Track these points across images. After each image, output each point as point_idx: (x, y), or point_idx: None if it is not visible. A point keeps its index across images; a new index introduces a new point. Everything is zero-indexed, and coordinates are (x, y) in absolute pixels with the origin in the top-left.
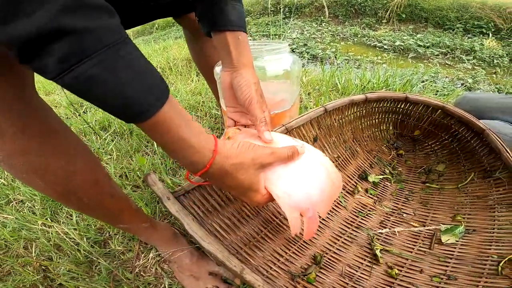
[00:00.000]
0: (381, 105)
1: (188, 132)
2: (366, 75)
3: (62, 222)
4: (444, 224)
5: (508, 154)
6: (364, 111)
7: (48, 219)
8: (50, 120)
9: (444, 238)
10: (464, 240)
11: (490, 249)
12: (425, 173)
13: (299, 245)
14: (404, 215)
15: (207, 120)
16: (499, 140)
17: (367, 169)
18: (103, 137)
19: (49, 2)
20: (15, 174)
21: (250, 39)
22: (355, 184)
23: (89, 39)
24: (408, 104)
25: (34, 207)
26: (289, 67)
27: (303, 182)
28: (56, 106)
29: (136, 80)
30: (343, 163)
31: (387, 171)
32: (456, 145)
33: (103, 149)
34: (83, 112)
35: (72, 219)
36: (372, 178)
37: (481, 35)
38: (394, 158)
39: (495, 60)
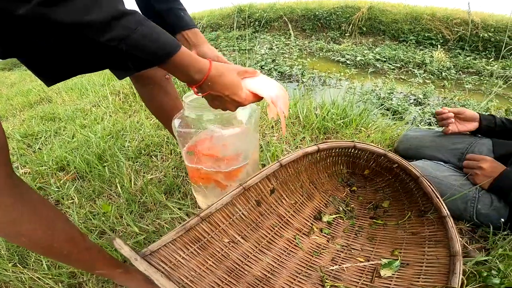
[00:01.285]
0: (333, 151)
1: (195, 57)
2: (326, 106)
3: (32, 268)
4: (384, 258)
5: (438, 199)
6: (318, 157)
7: (17, 263)
8: (31, 193)
9: (383, 272)
10: (399, 273)
11: (419, 281)
12: (373, 209)
13: (261, 287)
14: (353, 250)
15: (173, 159)
16: (431, 186)
17: (322, 209)
18: (62, 181)
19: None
20: (4, 236)
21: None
22: (311, 225)
23: (136, 16)
24: (356, 150)
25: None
26: (245, 120)
27: (269, 86)
28: (8, 137)
29: (163, 35)
30: (300, 207)
31: (341, 209)
32: (398, 184)
33: (63, 193)
34: (38, 148)
35: (42, 264)
36: (326, 218)
37: (431, 47)
38: (348, 195)
39: (443, 72)
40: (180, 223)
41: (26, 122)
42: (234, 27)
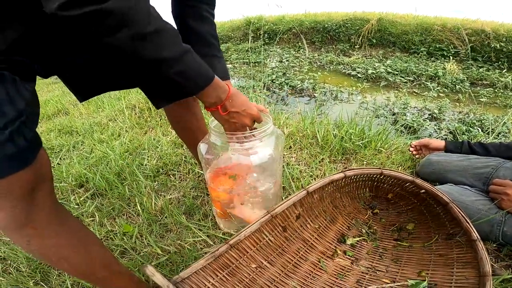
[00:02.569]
0: (358, 177)
1: (220, 83)
2: (344, 126)
3: (54, 287)
4: (410, 279)
5: (467, 224)
6: (343, 183)
7: (39, 281)
8: (72, 219)
9: None
10: None
11: None
12: (397, 231)
13: None
14: (378, 272)
15: (191, 179)
16: (461, 211)
17: (345, 232)
18: (82, 198)
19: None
20: (48, 260)
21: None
22: (335, 248)
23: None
24: (382, 176)
25: (20, 267)
26: (272, 152)
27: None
28: None
29: (202, 66)
30: (324, 231)
31: (364, 231)
32: (424, 208)
33: (83, 211)
34: (57, 163)
35: (64, 282)
36: (350, 240)
37: (443, 58)
38: (370, 217)
39: (457, 85)
40: (201, 245)
41: (44, 135)
42: (249, 40)
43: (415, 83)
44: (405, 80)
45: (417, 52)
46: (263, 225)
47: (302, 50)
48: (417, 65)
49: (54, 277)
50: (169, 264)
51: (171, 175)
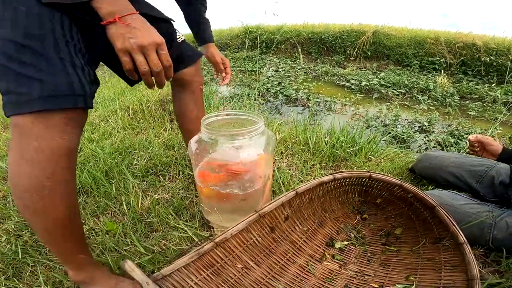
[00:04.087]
0: (347, 180)
1: None
2: (336, 133)
3: (27, 282)
4: (398, 283)
5: (454, 227)
6: (332, 186)
7: (11, 277)
8: None
9: None
10: None
11: None
12: (385, 236)
13: None
14: (366, 276)
15: (180, 180)
16: (447, 214)
17: (334, 236)
18: None
19: None
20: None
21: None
22: (323, 252)
23: None
24: (371, 180)
25: None
26: (262, 151)
27: None
28: None
29: None
30: (312, 234)
31: (352, 236)
32: (412, 213)
33: None
34: None
35: (37, 278)
36: (338, 244)
37: (434, 71)
38: (359, 222)
39: (447, 99)
40: (187, 244)
41: None
42: (246, 49)
43: (406, 95)
44: (397, 93)
45: (409, 65)
46: (250, 224)
47: (298, 60)
48: (409, 78)
49: (27, 273)
50: (152, 263)
51: (160, 176)
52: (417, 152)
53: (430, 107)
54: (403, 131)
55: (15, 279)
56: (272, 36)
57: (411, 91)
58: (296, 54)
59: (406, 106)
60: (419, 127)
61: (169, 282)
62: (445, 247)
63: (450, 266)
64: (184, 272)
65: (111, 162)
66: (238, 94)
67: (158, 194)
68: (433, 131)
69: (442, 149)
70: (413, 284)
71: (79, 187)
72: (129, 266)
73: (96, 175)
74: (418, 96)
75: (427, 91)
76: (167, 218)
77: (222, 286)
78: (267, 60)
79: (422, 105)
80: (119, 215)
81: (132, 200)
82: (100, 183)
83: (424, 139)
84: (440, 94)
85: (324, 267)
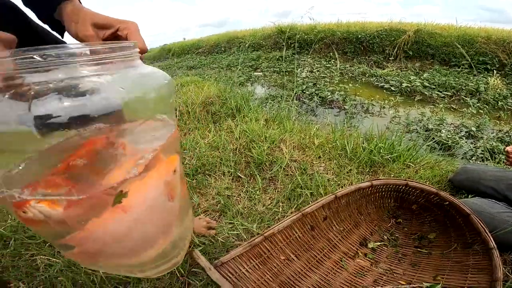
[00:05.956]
0: (384, 187)
1: None
2: (374, 140)
3: None
4: (426, 282)
5: (486, 234)
6: (369, 192)
7: None
8: None
9: None
10: None
11: None
12: (418, 239)
13: None
14: (395, 274)
15: (224, 180)
16: (480, 222)
17: (367, 236)
18: None
19: None
20: None
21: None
22: (356, 250)
23: None
24: (408, 187)
25: None
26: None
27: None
28: None
29: None
30: (347, 234)
31: (385, 237)
32: (447, 219)
33: None
34: None
35: None
36: (371, 244)
37: (486, 72)
38: (393, 226)
39: (499, 102)
40: (233, 239)
41: None
42: (284, 49)
43: (453, 98)
44: (443, 95)
45: (457, 65)
46: (294, 222)
47: (333, 60)
48: (456, 79)
49: None
50: (203, 253)
51: (207, 175)
52: (462, 158)
53: (480, 110)
54: (448, 136)
55: None
56: (305, 36)
57: (458, 93)
58: (331, 54)
59: (452, 110)
60: (466, 132)
61: (226, 269)
62: (475, 252)
63: (477, 268)
64: (238, 261)
65: None
66: (273, 95)
67: (207, 192)
68: (481, 137)
69: (491, 156)
70: (439, 283)
71: None
72: (196, 254)
73: None
74: (466, 98)
75: (477, 93)
76: (215, 215)
77: (267, 274)
78: (301, 61)
79: (471, 109)
80: None
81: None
82: None
83: (471, 145)
84: (492, 97)
85: (356, 264)
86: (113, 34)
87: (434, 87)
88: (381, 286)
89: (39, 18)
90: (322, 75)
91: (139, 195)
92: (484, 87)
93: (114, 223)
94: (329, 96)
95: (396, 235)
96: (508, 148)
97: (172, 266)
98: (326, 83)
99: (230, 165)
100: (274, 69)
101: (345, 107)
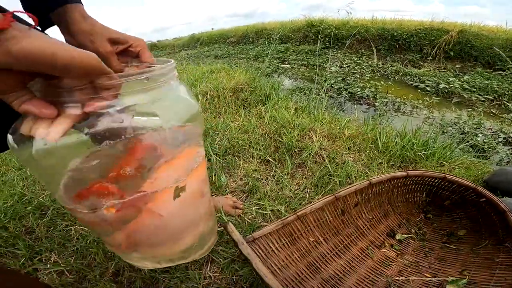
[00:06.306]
0: (418, 179)
1: None
2: (408, 136)
3: None
4: (452, 276)
5: None
6: (401, 183)
7: None
8: None
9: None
10: None
11: None
12: (446, 235)
13: (332, 284)
14: (420, 267)
15: (253, 162)
16: None
17: (395, 228)
18: None
19: None
20: None
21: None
22: (383, 240)
23: None
24: (443, 181)
25: None
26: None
27: None
28: None
29: None
30: (376, 223)
31: (413, 231)
32: (480, 216)
33: None
34: None
35: None
36: (398, 236)
37: None
38: (422, 220)
39: None
40: (260, 219)
41: None
42: (318, 43)
43: (494, 102)
44: (483, 99)
45: (502, 69)
46: (326, 204)
47: (364, 57)
48: (500, 83)
49: None
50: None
51: (236, 157)
52: (497, 164)
53: None
54: (484, 140)
55: None
56: (336, 31)
57: (500, 98)
58: (363, 50)
59: (492, 114)
60: (504, 138)
61: (257, 245)
62: (506, 249)
63: (506, 265)
64: (269, 238)
65: None
66: (301, 88)
67: (235, 173)
68: None
69: None
70: (465, 278)
71: None
72: (230, 227)
73: None
74: (508, 104)
75: None
76: (242, 196)
77: (295, 253)
78: (331, 55)
79: None
80: None
81: (213, 178)
82: None
83: (508, 152)
84: None
85: (382, 253)
86: (125, 49)
87: (475, 90)
88: (405, 277)
89: (25, 9)
90: (352, 71)
91: (190, 189)
92: None
93: (168, 216)
94: (358, 92)
95: (424, 229)
96: None
97: (206, 251)
98: (356, 79)
99: (259, 149)
100: (302, 62)
101: (375, 104)
